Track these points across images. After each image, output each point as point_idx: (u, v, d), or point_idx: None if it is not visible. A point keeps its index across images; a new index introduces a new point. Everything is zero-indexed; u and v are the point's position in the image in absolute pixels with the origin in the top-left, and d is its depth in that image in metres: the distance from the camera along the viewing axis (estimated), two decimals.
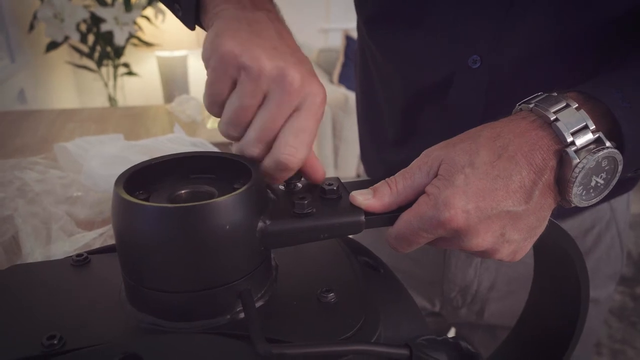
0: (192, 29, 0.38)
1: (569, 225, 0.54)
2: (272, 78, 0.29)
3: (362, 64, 0.61)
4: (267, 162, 0.31)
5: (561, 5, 0.41)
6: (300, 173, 0.33)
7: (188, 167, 0.31)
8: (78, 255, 0.33)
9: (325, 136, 2.34)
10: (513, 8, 0.43)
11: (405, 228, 0.30)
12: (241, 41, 0.30)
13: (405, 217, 0.30)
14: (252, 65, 0.29)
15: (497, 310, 0.59)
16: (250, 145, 0.30)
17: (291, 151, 0.30)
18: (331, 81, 2.64)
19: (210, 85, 0.31)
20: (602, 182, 0.31)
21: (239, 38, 0.30)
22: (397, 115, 0.55)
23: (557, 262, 0.38)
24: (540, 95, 0.32)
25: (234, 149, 0.32)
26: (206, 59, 0.31)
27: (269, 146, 0.31)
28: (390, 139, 0.58)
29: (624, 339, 1.64)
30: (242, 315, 0.27)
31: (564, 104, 0.30)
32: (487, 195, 0.29)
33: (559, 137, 0.30)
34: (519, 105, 0.33)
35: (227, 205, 0.26)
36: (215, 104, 0.31)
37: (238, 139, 0.31)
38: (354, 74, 0.65)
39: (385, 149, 0.60)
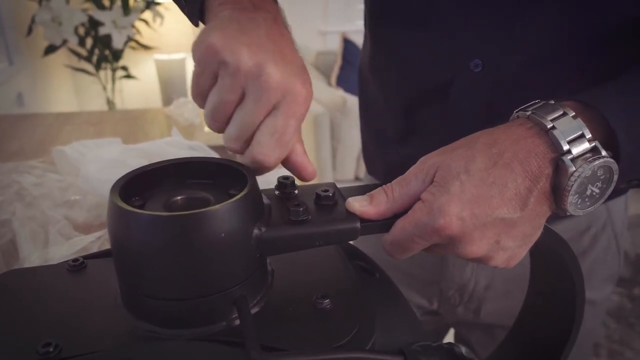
0: (196, 25, 0.39)
1: (565, 227, 0.54)
2: (250, 74, 0.30)
3: (365, 62, 0.61)
4: (245, 158, 0.31)
5: (565, 11, 0.42)
6: (294, 178, 0.33)
7: (184, 172, 0.31)
8: (74, 260, 0.33)
9: (323, 138, 2.35)
10: (516, 12, 0.43)
11: (400, 234, 0.30)
12: (225, 37, 0.30)
13: (401, 224, 0.30)
14: (231, 60, 0.29)
15: (494, 309, 0.59)
16: (230, 141, 0.31)
17: (264, 150, 0.30)
18: (329, 84, 2.65)
19: (195, 77, 0.32)
20: (597, 191, 0.31)
21: (224, 33, 0.30)
22: (399, 114, 0.56)
23: (552, 265, 0.38)
24: (538, 102, 0.32)
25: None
26: (193, 51, 0.32)
27: (249, 142, 0.31)
28: (392, 138, 0.58)
29: (622, 340, 1.64)
30: (237, 322, 0.27)
31: (560, 112, 0.30)
32: (483, 203, 0.29)
33: (555, 145, 0.30)
34: (516, 112, 0.33)
35: (223, 213, 0.26)
36: (199, 95, 0.32)
37: (218, 131, 0.32)
38: (357, 72, 0.65)
39: (386, 149, 0.60)
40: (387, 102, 0.57)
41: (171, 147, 0.79)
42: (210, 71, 0.31)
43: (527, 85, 0.45)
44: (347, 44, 2.67)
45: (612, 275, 0.60)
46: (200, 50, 0.30)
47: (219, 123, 0.32)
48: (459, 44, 0.47)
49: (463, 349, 0.29)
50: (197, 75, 0.31)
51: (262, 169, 0.31)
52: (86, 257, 0.34)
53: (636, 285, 1.88)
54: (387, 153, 0.60)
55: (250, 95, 0.30)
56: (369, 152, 0.66)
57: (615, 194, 0.56)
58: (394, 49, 0.53)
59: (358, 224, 0.30)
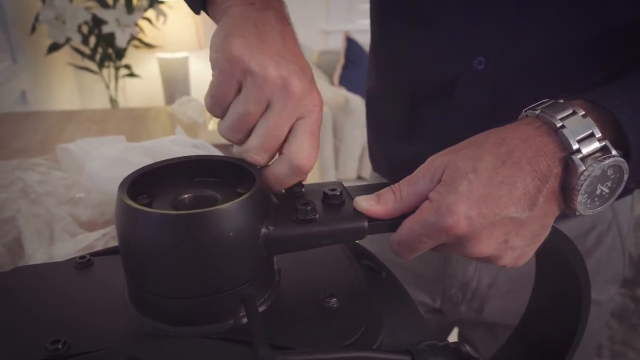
0: (198, 13, 0.38)
1: (570, 226, 0.54)
2: (277, 86, 0.30)
3: (372, 58, 0.61)
4: (279, 167, 0.31)
5: (568, 10, 0.42)
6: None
7: (191, 170, 0.31)
8: (81, 257, 0.33)
9: (325, 137, 2.34)
10: (520, 11, 0.43)
11: (407, 234, 0.30)
12: (249, 45, 0.30)
13: (408, 224, 0.30)
14: (259, 72, 0.30)
15: (497, 308, 0.59)
16: (253, 153, 0.31)
17: (306, 154, 0.31)
18: (332, 83, 2.65)
19: (216, 86, 0.31)
20: (607, 190, 0.31)
21: (247, 42, 0.30)
22: (402, 112, 0.56)
23: (558, 265, 0.38)
24: (547, 101, 0.32)
25: (235, 151, 0.33)
26: (214, 59, 0.31)
27: (273, 153, 0.31)
28: (395, 136, 0.58)
29: (624, 340, 1.63)
30: (245, 320, 0.28)
31: (570, 111, 0.30)
32: (491, 202, 0.29)
33: (564, 144, 0.30)
34: (525, 111, 0.33)
35: (231, 212, 0.26)
36: (218, 105, 0.32)
37: (238, 143, 0.32)
38: (367, 68, 0.65)
39: (389, 147, 0.60)
40: (390, 100, 0.58)
41: (175, 145, 0.79)
42: (235, 81, 0.30)
43: (531, 83, 0.45)
44: (350, 43, 2.67)
45: (617, 275, 0.60)
46: (224, 59, 0.30)
47: (241, 134, 0.32)
48: (462, 41, 0.47)
49: (468, 348, 0.29)
50: (218, 83, 0.31)
51: (302, 175, 0.31)
52: (93, 255, 0.34)
53: (639, 286, 1.87)
54: (390, 151, 0.60)
55: (277, 107, 0.30)
56: (375, 151, 0.66)
57: (622, 193, 0.55)
58: (397, 47, 0.54)
59: (366, 224, 0.30)
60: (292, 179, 0.31)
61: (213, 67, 0.31)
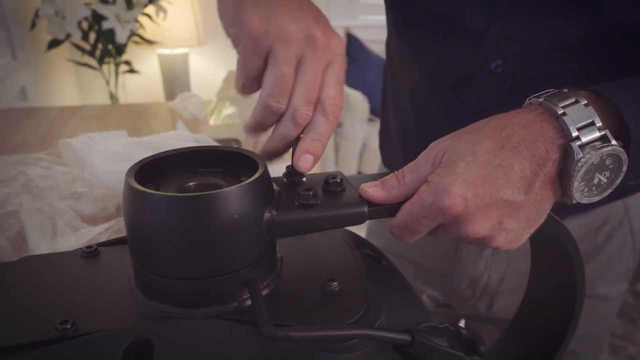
0: None
1: (581, 222, 0.54)
2: (301, 42, 0.31)
3: (390, 52, 0.61)
4: (315, 118, 0.32)
5: (586, 14, 0.42)
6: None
7: (196, 161, 0.32)
8: (88, 247, 0.34)
9: None
10: (539, 15, 0.43)
11: (407, 217, 0.31)
12: (265, 12, 0.31)
13: (407, 207, 0.31)
14: (281, 34, 0.31)
15: (507, 304, 0.59)
16: (300, 109, 0.32)
17: (335, 101, 0.32)
18: None
19: (244, 63, 0.33)
20: (605, 180, 0.32)
21: (261, 9, 0.31)
22: (419, 107, 0.56)
23: (554, 253, 0.39)
24: (551, 91, 0.32)
25: (274, 133, 0.34)
26: (233, 36, 0.32)
27: (314, 105, 0.32)
28: (413, 130, 0.59)
29: (625, 335, 1.64)
30: (248, 302, 0.28)
31: (573, 100, 0.31)
32: (487, 183, 0.29)
33: (564, 131, 0.30)
34: (529, 99, 0.33)
35: (236, 195, 0.26)
36: (250, 78, 0.33)
37: (279, 109, 0.33)
38: (385, 60, 0.65)
39: (407, 140, 0.60)
40: (411, 93, 0.58)
41: (177, 140, 0.80)
42: (261, 52, 0.32)
43: (547, 87, 0.46)
44: (351, 39, 2.66)
45: (627, 272, 0.60)
46: (245, 36, 0.32)
47: (282, 98, 0.32)
48: (480, 44, 0.47)
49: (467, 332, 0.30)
50: (245, 59, 0.32)
51: (335, 120, 0.32)
52: (99, 245, 0.35)
53: (639, 281, 1.88)
54: (408, 146, 0.60)
55: (309, 60, 0.32)
56: (387, 144, 0.66)
57: (633, 189, 0.55)
58: (418, 43, 0.54)
59: (366, 208, 0.30)
60: (329, 126, 0.32)
61: (235, 44, 0.32)
